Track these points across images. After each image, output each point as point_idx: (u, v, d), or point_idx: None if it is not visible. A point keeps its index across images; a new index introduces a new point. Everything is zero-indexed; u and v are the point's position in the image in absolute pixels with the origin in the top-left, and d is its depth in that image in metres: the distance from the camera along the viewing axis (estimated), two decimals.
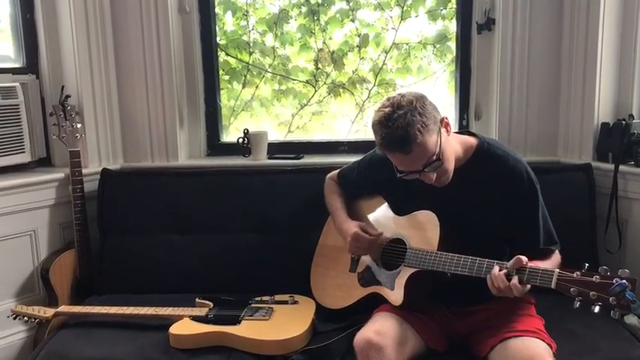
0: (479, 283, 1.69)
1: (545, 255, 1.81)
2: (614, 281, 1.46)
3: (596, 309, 1.48)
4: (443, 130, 1.74)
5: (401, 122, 1.65)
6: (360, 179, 2.15)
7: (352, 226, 2.03)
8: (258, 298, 2.19)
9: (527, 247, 1.79)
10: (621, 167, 2.31)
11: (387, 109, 1.70)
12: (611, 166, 2.34)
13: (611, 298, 1.46)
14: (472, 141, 1.89)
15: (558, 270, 1.56)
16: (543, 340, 1.71)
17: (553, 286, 1.55)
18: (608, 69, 2.43)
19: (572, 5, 2.50)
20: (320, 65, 2.99)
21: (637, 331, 1.97)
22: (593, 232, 2.33)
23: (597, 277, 1.50)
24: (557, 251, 1.85)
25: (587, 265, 1.54)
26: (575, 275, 1.53)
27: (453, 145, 1.81)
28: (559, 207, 2.07)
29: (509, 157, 1.85)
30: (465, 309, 1.89)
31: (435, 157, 1.70)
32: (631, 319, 2.08)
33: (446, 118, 1.77)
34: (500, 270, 1.63)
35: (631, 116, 2.38)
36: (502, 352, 1.70)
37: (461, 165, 1.84)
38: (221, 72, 2.97)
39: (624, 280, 1.45)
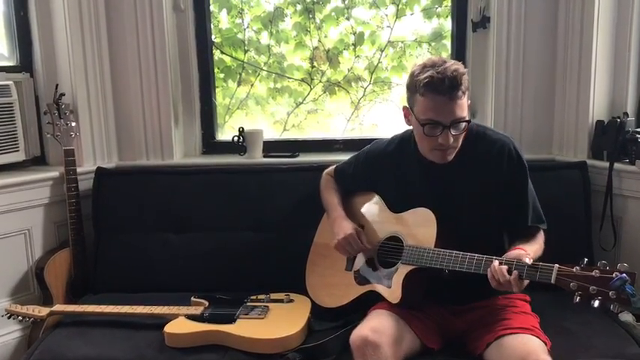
0: (474, 281, 1.70)
1: (532, 234, 1.83)
2: (614, 275, 1.47)
3: (596, 303, 1.48)
4: None
5: (454, 68, 1.70)
6: (358, 173, 2.15)
7: (349, 227, 2.02)
8: (254, 297, 2.19)
9: (516, 224, 1.81)
10: (616, 165, 2.32)
11: (436, 59, 1.75)
12: (606, 164, 2.35)
13: (611, 292, 1.46)
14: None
15: (558, 265, 1.56)
16: (538, 337, 1.72)
17: (553, 281, 1.56)
18: (602, 67, 2.43)
19: (566, 3, 2.50)
20: (315, 63, 2.99)
21: (632, 329, 1.98)
22: (588, 229, 2.34)
23: (597, 271, 1.50)
24: (542, 231, 1.86)
25: (586, 259, 1.55)
26: (574, 270, 1.53)
27: None
28: (554, 204, 2.08)
29: (498, 135, 1.89)
30: (461, 307, 1.90)
31: (464, 119, 1.74)
32: (626, 317, 2.09)
33: (469, 103, 1.82)
34: (500, 264, 1.64)
35: (625, 114, 2.39)
36: (498, 350, 1.70)
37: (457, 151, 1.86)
38: (216, 70, 2.97)
39: (624, 274, 1.46)
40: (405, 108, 1.87)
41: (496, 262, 1.65)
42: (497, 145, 1.86)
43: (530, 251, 1.69)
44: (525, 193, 1.86)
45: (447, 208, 1.85)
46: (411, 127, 1.95)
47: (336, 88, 3.01)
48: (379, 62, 2.96)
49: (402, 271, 1.86)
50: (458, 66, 1.72)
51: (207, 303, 2.14)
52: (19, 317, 2.16)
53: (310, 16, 2.93)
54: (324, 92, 3.02)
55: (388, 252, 1.96)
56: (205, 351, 1.91)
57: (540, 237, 1.85)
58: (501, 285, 1.63)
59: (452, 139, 1.75)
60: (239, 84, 3.04)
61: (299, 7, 2.93)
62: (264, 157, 2.80)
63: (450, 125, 1.73)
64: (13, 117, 2.48)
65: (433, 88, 1.70)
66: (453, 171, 1.86)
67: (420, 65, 1.76)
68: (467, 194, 1.86)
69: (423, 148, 1.85)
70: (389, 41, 2.94)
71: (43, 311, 2.15)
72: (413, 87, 1.77)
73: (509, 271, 1.62)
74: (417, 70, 1.76)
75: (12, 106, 2.48)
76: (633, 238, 2.33)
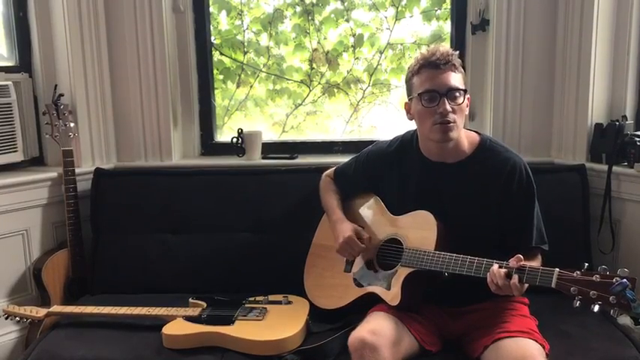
0: (473, 284, 1.70)
1: (534, 254, 1.83)
2: (614, 280, 1.47)
3: (596, 308, 1.48)
4: None
5: (444, 47, 1.85)
6: (358, 175, 2.15)
7: (347, 229, 2.02)
8: (252, 298, 2.19)
9: (519, 244, 1.81)
10: (614, 168, 2.32)
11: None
12: (605, 167, 2.35)
13: (611, 297, 1.46)
14: (475, 136, 1.93)
15: (558, 269, 1.56)
16: (536, 341, 1.71)
17: (553, 285, 1.55)
18: (601, 70, 2.44)
19: (566, 6, 2.50)
20: (314, 65, 2.99)
21: (630, 332, 1.98)
22: (587, 232, 2.34)
23: (597, 276, 1.50)
24: (542, 251, 1.87)
25: (586, 264, 1.54)
26: (575, 274, 1.53)
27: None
28: (553, 207, 2.09)
29: (510, 154, 1.90)
30: (459, 309, 1.90)
31: (460, 88, 1.81)
32: (624, 320, 2.09)
33: (469, 99, 1.87)
34: (499, 268, 1.64)
35: (624, 117, 2.39)
36: (495, 352, 1.70)
37: (463, 158, 1.88)
38: (215, 71, 2.97)
39: (625, 279, 1.46)
40: (406, 104, 1.93)
41: (495, 266, 1.65)
42: (509, 163, 1.86)
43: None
44: (531, 215, 1.87)
45: (446, 211, 1.85)
46: (411, 130, 1.98)
47: (335, 90, 3.01)
48: (378, 64, 2.96)
49: (401, 273, 1.85)
50: (448, 47, 1.86)
51: (205, 304, 2.14)
52: (17, 318, 2.15)
53: (310, 17, 2.94)
54: (323, 94, 3.02)
55: (387, 254, 1.96)
56: (203, 352, 1.90)
57: (539, 258, 1.85)
58: (500, 289, 1.63)
59: (449, 108, 1.78)
60: (238, 85, 3.04)
61: (298, 8, 2.94)
62: (263, 158, 2.80)
63: (447, 94, 1.78)
64: (12, 117, 2.48)
65: (426, 63, 1.82)
66: (456, 174, 1.87)
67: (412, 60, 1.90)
68: (467, 200, 1.86)
69: (425, 129, 1.86)
70: (388, 43, 2.94)
71: (41, 312, 2.14)
72: (410, 74, 1.89)
73: (509, 275, 1.62)
74: (411, 65, 1.89)
75: (11, 107, 2.48)
76: (631, 241, 2.33)
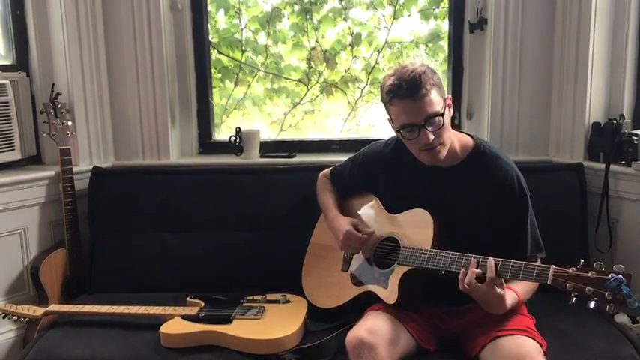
0: None
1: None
2: (609, 276, 1.47)
3: (592, 304, 1.48)
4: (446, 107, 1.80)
5: (411, 69, 1.75)
6: (354, 175, 2.15)
7: (345, 224, 2.02)
8: (250, 297, 2.19)
9: (515, 253, 1.80)
10: (612, 167, 2.32)
11: (401, 64, 1.80)
12: (602, 166, 2.35)
13: (607, 293, 1.46)
14: (469, 140, 1.92)
15: (554, 265, 1.57)
16: (534, 339, 1.72)
17: (549, 281, 1.56)
18: (599, 69, 2.44)
19: (563, 5, 2.51)
20: (312, 64, 2.99)
21: (627, 330, 1.98)
22: (584, 231, 2.34)
23: (593, 272, 1.50)
24: (539, 260, 1.86)
25: (582, 260, 1.55)
26: (571, 271, 1.53)
27: (451, 131, 1.84)
28: (550, 206, 2.09)
29: (504, 162, 1.88)
30: (457, 308, 1.89)
31: (437, 113, 1.74)
32: (621, 318, 2.09)
33: (449, 98, 1.83)
34: (495, 264, 1.65)
35: (622, 116, 2.40)
36: (493, 351, 1.70)
37: (457, 163, 1.88)
38: (213, 70, 2.96)
39: (620, 275, 1.46)
40: (389, 120, 1.90)
41: (491, 260, 1.65)
42: (501, 172, 1.86)
43: (520, 290, 1.77)
44: (525, 225, 1.86)
45: (442, 212, 1.85)
46: None
47: (333, 89, 3.01)
48: (376, 63, 2.96)
49: (398, 271, 1.85)
50: (416, 67, 1.76)
51: (202, 303, 2.14)
52: (14, 317, 2.15)
53: (308, 16, 2.93)
54: (321, 93, 3.02)
55: (385, 253, 1.96)
56: (201, 351, 1.90)
57: None
58: (468, 289, 1.66)
59: (432, 137, 1.76)
60: (236, 84, 3.04)
61: (296, 7, 2.93)
62: (261, 157, 2.80)
63: (425, 123, 1.75)
64: (9, 116, 2.48)
65: (396, 95, 1.76)
66: (449, 177, 1.87)
67: (385, 77, 1.83)
68: (461, 203, 1.87)
69: (414, 152, 1.86)
70: (386, 42, 2.94)
71: (39, 311, 2.14)
72: (383, 100, 1.84)
73: (505, 270, 1.62)
74: (383, 84, 1.82)
75: (8, 105, 2.47)
76: (629, 240, 2.33)
